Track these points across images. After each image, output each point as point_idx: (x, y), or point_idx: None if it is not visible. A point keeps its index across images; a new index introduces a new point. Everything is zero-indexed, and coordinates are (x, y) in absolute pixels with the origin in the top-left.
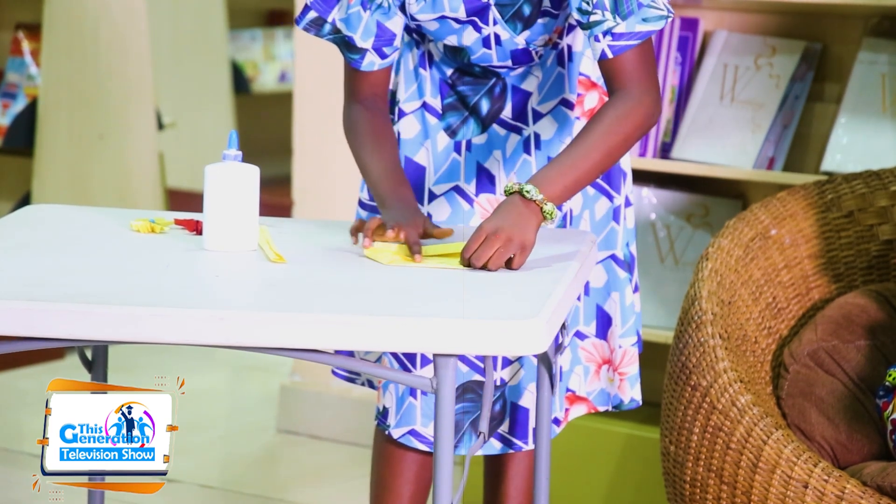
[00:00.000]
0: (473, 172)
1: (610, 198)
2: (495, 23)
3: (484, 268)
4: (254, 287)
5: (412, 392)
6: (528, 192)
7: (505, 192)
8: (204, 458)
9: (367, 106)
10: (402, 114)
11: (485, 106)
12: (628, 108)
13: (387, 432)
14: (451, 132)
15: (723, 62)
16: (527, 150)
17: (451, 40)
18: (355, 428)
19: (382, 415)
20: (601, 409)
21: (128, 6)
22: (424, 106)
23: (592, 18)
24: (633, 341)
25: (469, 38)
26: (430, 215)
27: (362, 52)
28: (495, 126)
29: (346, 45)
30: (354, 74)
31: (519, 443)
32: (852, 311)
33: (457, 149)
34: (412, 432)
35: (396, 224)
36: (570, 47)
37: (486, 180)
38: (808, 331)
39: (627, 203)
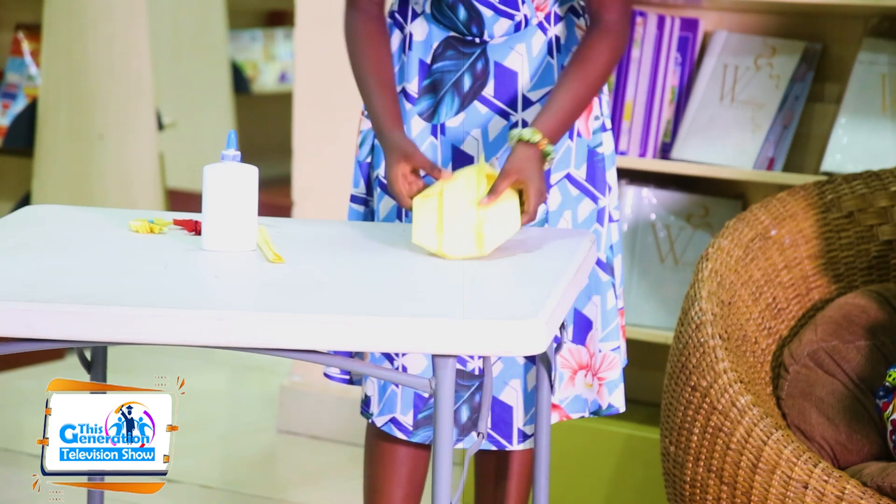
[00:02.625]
0: (450, 156)
1: (594, 199)
2: None
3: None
4: (253, 287)
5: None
6: (552, 159)
7: (522, 139)
8: (204, 458)
9: (364, 10)
10: None
11: (467, 82)
12: (611, 36)
13: (370, 420)
14: (428, 116)
15: (723, 62)
16: None
17: None
18: (355, 428)
19: (365, 403)
20: (574, 416)
21: (128, 6)
22: (403, 92)
23: None
24: (614, 346)
25: None
26: None
27: None
28: (476, 104)
29: None
30: None
31: (503, 441)
32: (852, 312)
33: (433, 132)
34: (393, 420)
35: (421, 164)
36: (557, 38)
37: (463, 162)
38: (808, 331)
39: (611, 218)
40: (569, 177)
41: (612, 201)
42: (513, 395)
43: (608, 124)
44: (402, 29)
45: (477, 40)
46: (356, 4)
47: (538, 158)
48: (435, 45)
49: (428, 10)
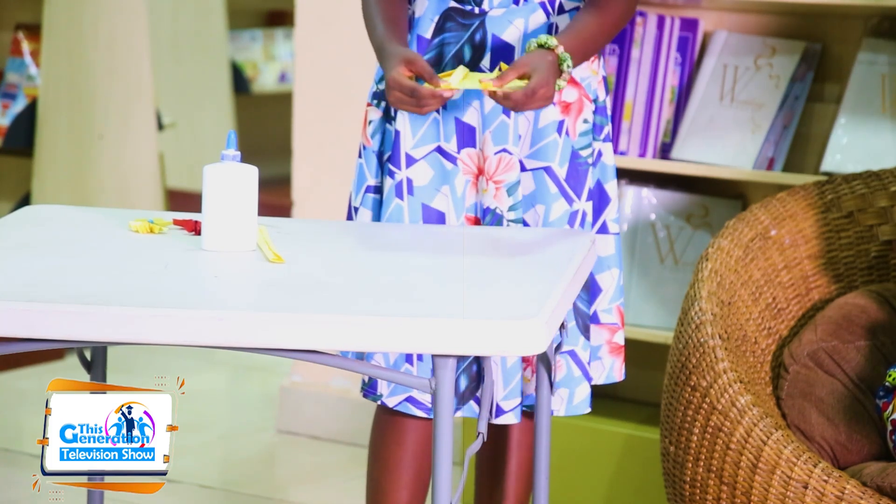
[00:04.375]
0: (452, 130)
1: (569, 201)
2: None
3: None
4: (253, 287)
5: (408, 359)
6: (568, 67)
7: (541, 44)
8: (204, 458)
9: None
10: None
11: (467, 53)
12: None
13: (379, 402)
14: None
15: (723, 62)
16: (506, 112)
17: None
18: (355, 428)
19: (369, 386)
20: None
21: (128, 6)
22: None
23: None
24: (564, 350)
25: None
26: (410, 180)
27: None
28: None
29: None
30: None
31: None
32: (852, 312)
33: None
34: (410, 399)
35: (402, 103)
36: (557, 27)
37: (466, 134)
38: (807, 331)
39: (604, 229)
40: (549, 170)
41: (611, 213)
42: (494, 369)
43: (611, 135)
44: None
45: (476, 10)
46: None
47: (553, 62)
48: (435, 18)
49: None
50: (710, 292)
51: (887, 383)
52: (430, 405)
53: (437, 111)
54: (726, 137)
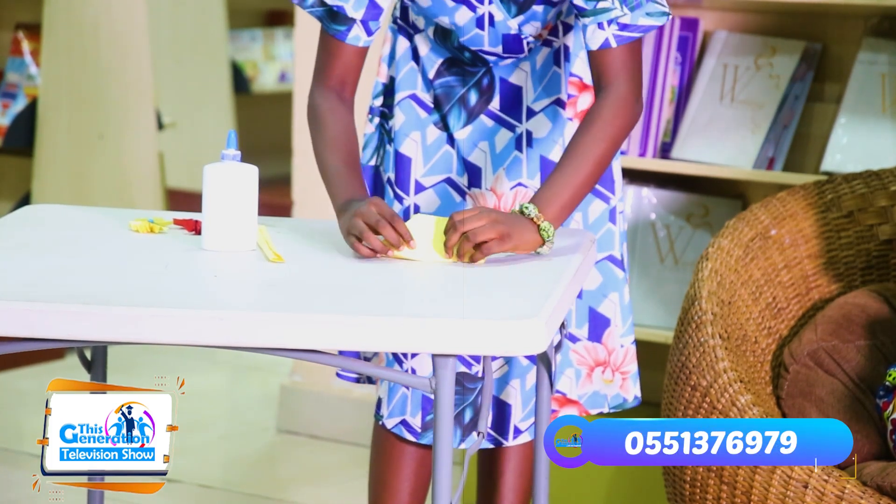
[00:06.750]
0: (463, 168)
1: (605, 199)
2: (490, 2)
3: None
4: (253, 287)
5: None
6: (526, 209)
7: (521, 211)
8: (204, 458)
9: (334, 92)
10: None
11: (473, 97)
12: (617, 107)
13: (380, 422)
14: (442, 126)
15: (723, 62)
16: (518, 147)
17: (444, 21)
18: (355, 428)
19: (378, 405)
20: (593, 412)
21: (128, 6)
22: (412, 97)
23: (600, 5)
24: (632, 339)
25: (462, 17)
26: (417, 207)
27: (350, 22)
28: (483, 118)
29: (331, 15)
30: (329, 54)
31: (499, 438)
32: (852, 311)
33: (449, 141)
34: (403, 422)
35: (375, 221)
36: (566, 47)
37: (472, 174)
38: (808, 331)
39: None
40: None
41: (618, 193)
42: (512, 394)
43: None
44: (408, 38)
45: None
46: (327, 82)
47: (531, 230)
48: (439, 61)
49: (431, 35)
50: (711, 292)
51: (887, 383)
52: (419, 430)
53: (452, 145)
54: (726, 137)
